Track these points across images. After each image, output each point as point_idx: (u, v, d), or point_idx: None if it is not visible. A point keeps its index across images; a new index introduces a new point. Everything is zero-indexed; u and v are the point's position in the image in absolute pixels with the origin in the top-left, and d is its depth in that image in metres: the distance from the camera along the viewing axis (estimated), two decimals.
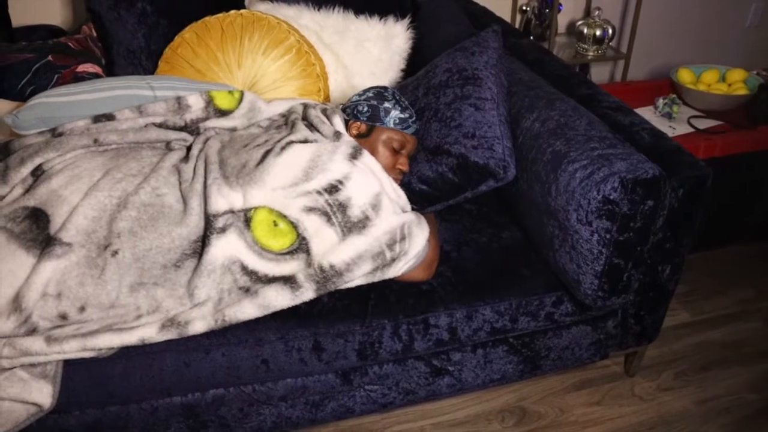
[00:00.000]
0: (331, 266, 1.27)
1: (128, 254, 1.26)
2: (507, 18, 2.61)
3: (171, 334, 1.24)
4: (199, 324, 1.24)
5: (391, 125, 1.45)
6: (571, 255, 1.33)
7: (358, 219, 1.29)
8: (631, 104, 1.97)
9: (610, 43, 2.59)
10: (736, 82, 2.21)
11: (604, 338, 1.55)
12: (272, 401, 1.39)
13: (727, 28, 3.02)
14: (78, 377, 1.24)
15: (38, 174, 1.35)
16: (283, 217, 1.29)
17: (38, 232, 1.25)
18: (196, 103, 1.56)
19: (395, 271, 1.33)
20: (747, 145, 1.98)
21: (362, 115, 1.46)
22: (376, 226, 1.30)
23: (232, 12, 1.86)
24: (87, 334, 1.20)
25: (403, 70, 1.98)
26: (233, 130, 1.57)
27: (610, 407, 1.69)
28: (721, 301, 2.04)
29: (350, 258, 1.27)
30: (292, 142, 1.34)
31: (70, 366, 1.24)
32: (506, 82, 1.59)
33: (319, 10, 1.96)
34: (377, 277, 1.32)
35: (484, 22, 2.14)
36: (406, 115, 1.46)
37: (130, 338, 1.21)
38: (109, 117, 1.49)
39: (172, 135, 1.50)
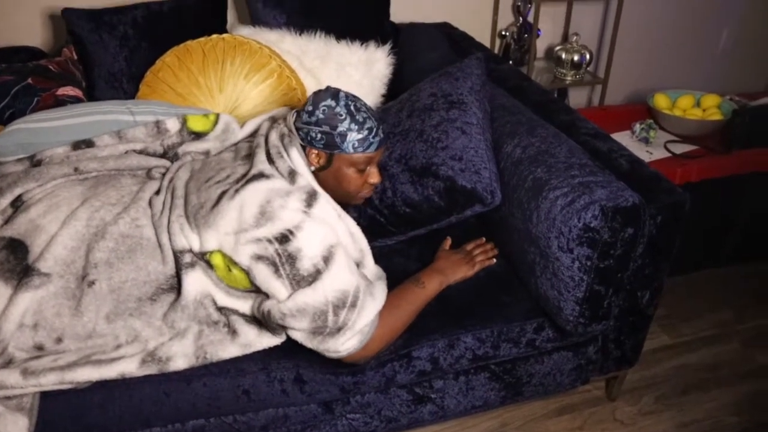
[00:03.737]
0: (269, 312, 1.21)
1: (104, 285, 1.24)
2: (486, 43, 2.64)
3: (151, 370, 1.22)
4: (181, 361, 1.24)
5: (351, 150, 1.30)
6: (553, 282, 1.34)
7: (308, 273, 1.19)
8: (608, 129, 2.01)
9: (588, 68, 2.63)
10: (711, 108, 2.26)
11: (585, 363, 1.56)
12: (253, 431, 1.37)
13: (701, 54, 3.08)
14: (55, 409, 1.22)
15: (18, 205, 1.33)
16: (235, 263, 1.23)
17: (16, 262, 1.23)
18: (173, 128, 1.54)
19: (337, 345, 1.21)
20: (722, 170, 2.01)
21: (317, 142, 1.30)
22: (326, 281, 1.19)
23: (214, 36, 1.86)
24: (65, 367, 1.18)
25: (383, 95, 1.99)
26: (207, 153, 1.54)
27: None
28: (700, 323, 2.06)
29: (289, 310, 1.18)
30: (247, 182, 1.24)
31: (47, 397, 1.21)
32: (489, 108, 1.61)
33: (300, 34, 1.97)
34: (316, 345, 1.22)
35: (464, 47, 2.17)
36: (365, 134, 1.29)
37: (110, 372, 1.20)
38: (89, 143, 1.47)
39: (153, 162, 1.48)
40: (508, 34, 2.64)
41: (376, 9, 2.16)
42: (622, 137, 2.18)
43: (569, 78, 2.59)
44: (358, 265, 1.34)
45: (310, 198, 1.25)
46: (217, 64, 1.81)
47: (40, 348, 1.21)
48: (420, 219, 1.50)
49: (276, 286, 1.20)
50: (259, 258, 1.20)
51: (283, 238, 1.19)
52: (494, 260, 1.52)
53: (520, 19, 2.60)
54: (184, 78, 1.81)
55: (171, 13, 1.93)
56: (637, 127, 2.18)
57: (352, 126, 1.29)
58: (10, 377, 1.15)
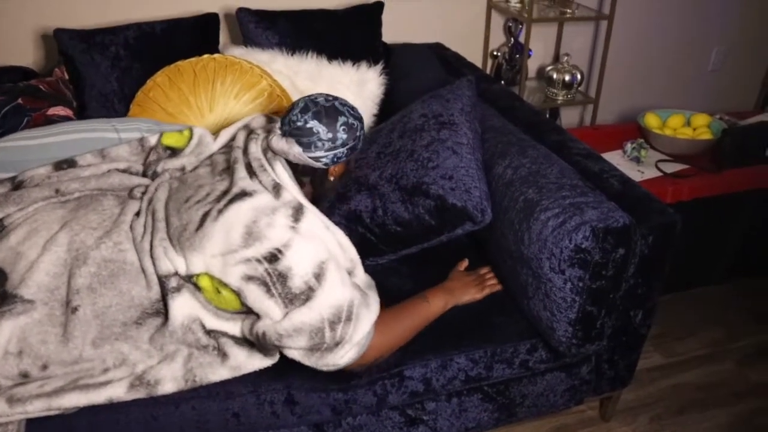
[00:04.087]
0: (264, 334, 1.20)
1: (88, 311, 1.22)
2: (478, 63, 2.66)
3: (140, 394, 1.20)
4: (170, 385, 1.22)
5: (361, 144, 1.38)
6: (545, 303, 1.33)
7: (300, 290, 1.18)
8: (600, 148, 2.01)
9: (579, 88, 2.65)
10: (701, 127, 2.27)
11: (579, 384, 1.55)
12: None
13: (691, 73, 3.11)
14: None
15: None
16: (224, 285, 1.22)
17: None
18: (153, 144, 1.52)
19: (336, 359, 1.21)
20: (713, 189, 2.02)
21: (342, 158, 1.34)
22: (320, 299, 1.18)
23: (205, 56, 1.87)
24: (52, 393, 1.16)
25: (375, 115, 2.00)
26: (183, 169, 1.50)
27: None
28: (693, 342, 2.06)
29: (285, 330, 1.17)
30: (230, 201, 1.22)
31: (32, 423, 1.19)
32: (479, 129, 1.61)
33: (292, 55, 1.98)
34: (315, 361, 1.22)
35: (455, 67, 2.18)
36: (364, 128, 1.39)
37: (98, 398, 1.18)
38: (71, 163, 1.45)
39: (135, 180, 1.46)
40: (499, 54, 2.67)
41: (368, 29, 2.17)
42: (614, 156, 2.18)
43: (561, 98, 2.61)
44: (349, 274, 1.33)
45: (297, 212, 1.23)
46: (208, 84, 1.81)
47: (25, 376, 1.19)
48: (411, 238, 1.49)
49: (269, 305, 1.19)
50: (250, 278, 1.19)
51: (272, 257, 1.18)
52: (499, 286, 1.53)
53: (512, 39, 2.62)
54: (175, 97, 1.81)
55: (163, 34, 1.94)
56: (629, 146, 2.18)
57: (361, 125, 1.36)
58: None
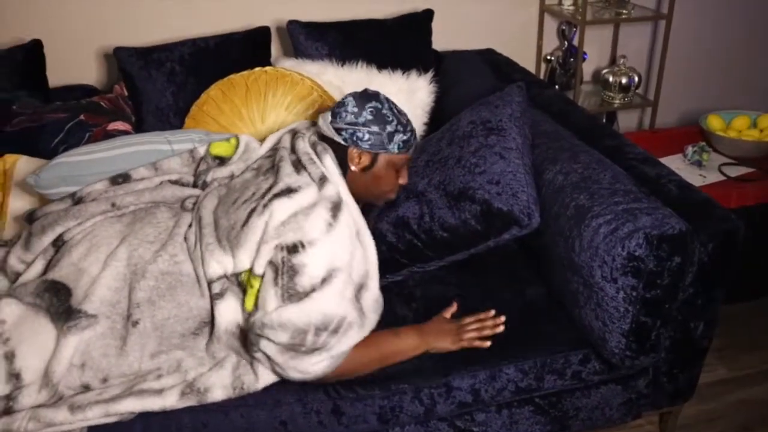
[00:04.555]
0: (253, 323, 1.20)
1: (148, 324, 1.26)
2: (531, 68, 2.61)
3: (191, 401, 1.23)
4: (219, 392, 1.24)
5: (396, 151, 1.36)
6: (597, 312, 1.29)
7: (303, 290, 1.19)
8: (659, 152, 1.95)
9: (637, 91, 2.57)
10: None
11: (636, 398, 1.49)
12: None
13: (758, 72, 2.97)
14: None
15: (59, 245, 1.36)
16: (257, 276, 1.24)
17: (59, 304, 1.26)
18: (202, 155, 1.56)
19: (307, 365, 1.20)
20: None
21: (363, 143, 1.33)
22: (315, 302, 1.18)
23: (257, 69, 1.90)
24: (110, 400, 1.20)
25: (425, 124, 1.99)
26: (232, 176, 1.52)
27: None
28: (759, 355, 1.95)
29: (270, 321, 1.17)
30: (275, 196, 1.25)
31: (91, 430, 1.23)
32: (530, 135, 1.58)
33: (342, 65, 1.99)
34: (285, 360, 1.19)
35: (507, 73, 2.15)
36: (409, 135, 1.37)
37: (152, 405, 1.21)
38: (126, 177, 1.50)
39: (187, 192, 1.49)
40: (553, 58, 2.62)
41: (418, 38, 2.17)
42: (674, 161, 2.11)
43: (617, 101, 2.53)
44: (361, 287, 1.30)
45: (335, 207, 1.26)
46: (260, 96, 1.84)
47: (86, 387, 1.24)
48: (457, 243, 1.47)
49: (269, 292, 1.20)
50: (270, 263, 1.22)
51: (293, 249, 1.20)
52: (488, 343, 1.34)
53: (566, 43, 2.57)
54: (228, 110, 1.85)
55: (217, 49, 1.99)
56: (690, 150, 2.10)
57: (398, 127, 1.35)
58: (58, 414, 1.18)
